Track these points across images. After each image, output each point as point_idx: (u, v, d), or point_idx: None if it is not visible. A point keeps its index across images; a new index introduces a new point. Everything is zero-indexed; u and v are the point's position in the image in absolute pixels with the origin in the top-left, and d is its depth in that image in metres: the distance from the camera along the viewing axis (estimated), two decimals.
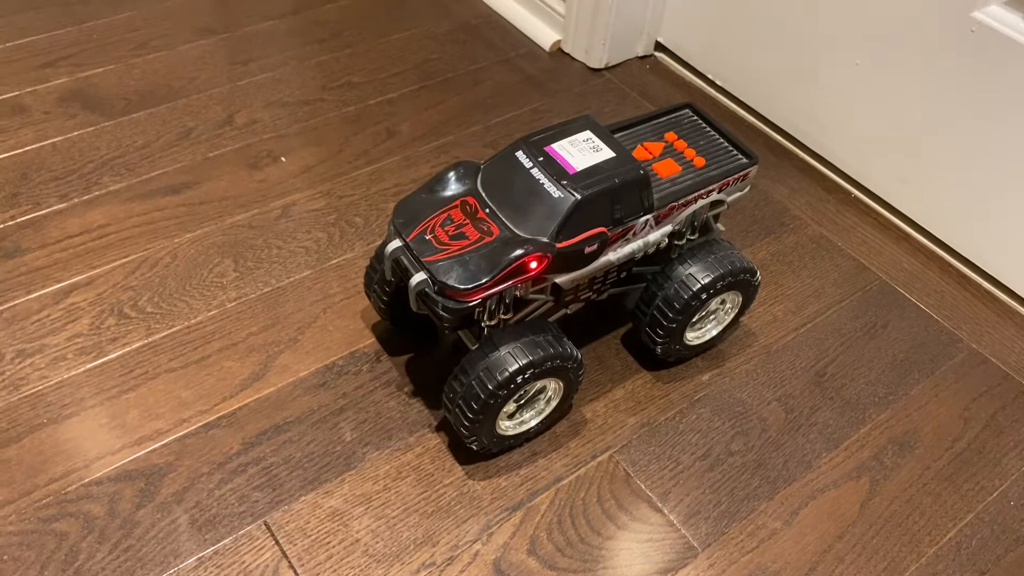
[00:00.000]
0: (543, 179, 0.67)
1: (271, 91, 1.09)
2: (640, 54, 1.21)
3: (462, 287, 0.64)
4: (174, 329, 0.82)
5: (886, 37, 0.92)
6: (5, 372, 0.77)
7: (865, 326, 0.89)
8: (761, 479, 0.76)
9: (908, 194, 0.98)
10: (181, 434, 0.75)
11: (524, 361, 0.67)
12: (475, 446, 0.72)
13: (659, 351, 0.79)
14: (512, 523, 0.72)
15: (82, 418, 0.75)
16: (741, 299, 0.81)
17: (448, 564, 0.69)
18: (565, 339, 0.71)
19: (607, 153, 0.69)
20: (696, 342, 0.82)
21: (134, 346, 0.80)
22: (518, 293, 0.69)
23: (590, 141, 0.70)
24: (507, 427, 0.73)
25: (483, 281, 0.64)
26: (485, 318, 0.69)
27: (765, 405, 0.82)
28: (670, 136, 0.77)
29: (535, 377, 0.69)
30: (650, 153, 0.75)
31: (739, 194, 0.78)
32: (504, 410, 0.71)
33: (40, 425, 0.74)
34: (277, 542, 0.69)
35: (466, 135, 1.07)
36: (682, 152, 0.76)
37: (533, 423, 0.75)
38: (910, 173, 0.97)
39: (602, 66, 1.18)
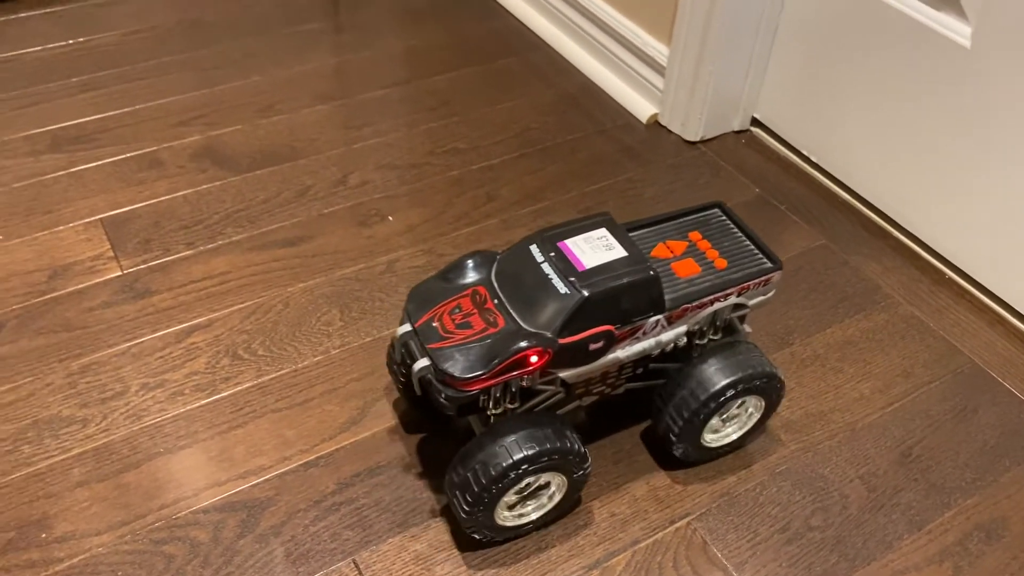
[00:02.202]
0: (552, 274, 0.68)
1: (382, 154, 1.17)
2: (736, 128, 1.24)
3: (461, 377, 0.65)
4: (282, 372, 0.88)
5: (991, 119, 0.93)
6: (130, 403, 0.84)
7: (954, 409, 0.89)
8: (839, 556, 0.76)
9: (1004, 277, 0.98)
10: (282, 471, 0.80)
11: (520, 455, 0.67)
12: (476, 535, 0.73)
13: (676, 450, 0.78)
14: None
15: (194, 450, 0.81)
16: (764, 404, 0.80)
17: None
18: (570, 433, 0.70)
19: (619, 252, 0.70)
20: (714, 444, 0.81)
21: (245, 386, 0.87)
22: (525, 384, 0.70)
23: (604, 239, 0.71)
24: (507, 518, 0.73)
25: (481, 373, 0.65)
26: (491, 406, 0.71)
27: (847, 482, 0.82)
28: (695, 235, 0.77)
29: (534, 471, 0.69)
30: (671, 251, 0.76)
31: (762, 298, 0.77)
32: (504, 500, 0.71)
33: (157, 454, 0.80)
34: None
35: (562, 201, 1.11)
36: (704, 252, 0.76)
37: (534, 516, 0.74)
38: (1005, 256, 0.96)
39: (697, 139, 1.22)
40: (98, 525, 0.75)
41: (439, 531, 0.76)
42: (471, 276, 0.72)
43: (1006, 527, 0.79)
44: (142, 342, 0.90)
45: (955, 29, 0.93)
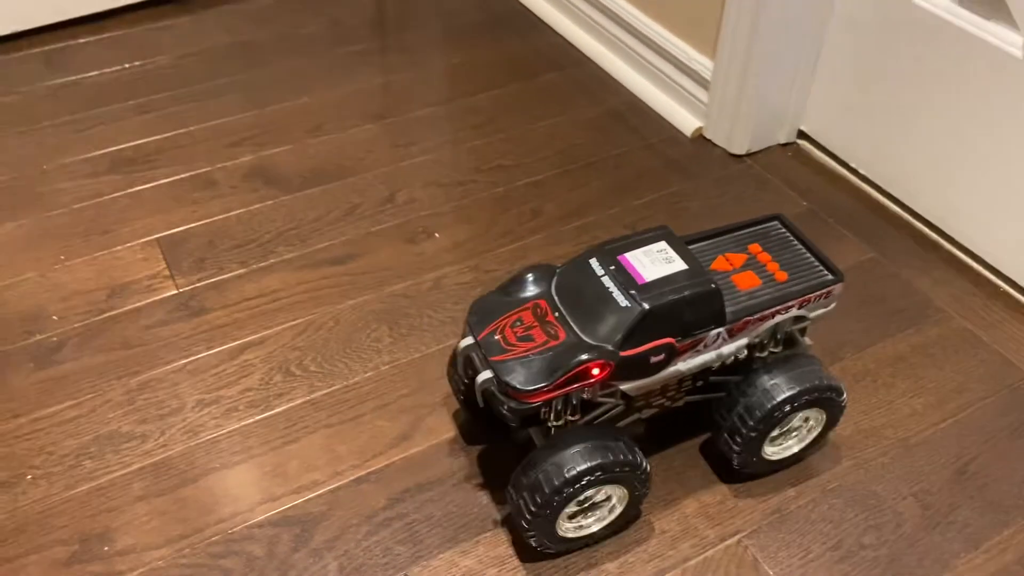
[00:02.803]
0: (612, 287, 0.68)
1: (429, 172, 1.18)
2: (782, 141, 1.23)
3: (524, 388, 0.66)
4: (333, 388, 0.90)
5: None
6: (187, 419, 0.87)
7: (1011, 425, 0.87)
8: (893, 575, 0.75)
9: None
10: (335, 486, 0.81)
11: (590, 464, 0.68)
12: (533, 542, 0.73)
13: (736, 462, 0.78)
14: None
15: (249, 465, 0.83)
16: (825, 417, 0.79)
17: None
18: (632, 445, 0.71)
19: (679, 264, 0.70)
20: (775, 457, 0.80)
21: (297, 402, 0.88)
22: (586, 396, 0.70)
23: (664, 252, 0.71)
24: (567, 529, 0.74)
25: (543, 385, 0.66)
26: (552, 418, 0.71)
27: (901, 499, 0.81)
28: (754, 248, 0.77)
29: (600, 481, 0.69)
30: (731, 264, 0.76)
31: (823, 311, 0.77)
32: (565, 511, 0.71)
33: (213, 469, 0.82)
34: None
35: (607, 216, 1.12)
36: (764, 265, 0.76)
37: (595, 528, 0.75)
38: None
39: (743, 152, 1.21)
40: (157, 539, 0.77)
41: (489, 546, 0.77)
42: (531, 290, 0.73)
43: None
44: (198, 359, 0.93)
45: (1006, 39, 0.92)
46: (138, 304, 0.99)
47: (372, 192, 1.15)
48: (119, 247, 1.06)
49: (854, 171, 1.17)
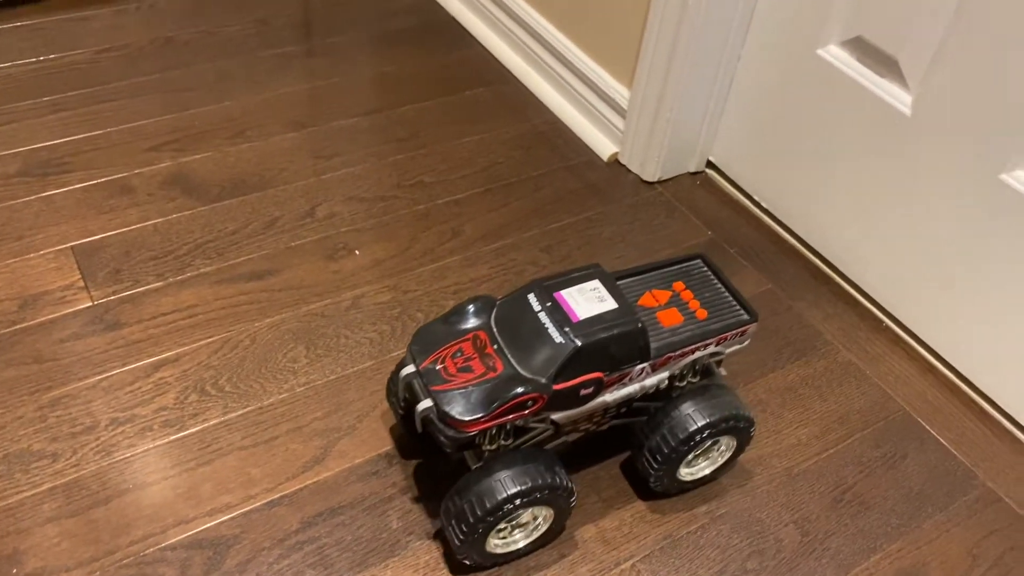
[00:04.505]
0: (548, 324, 0.73)
1: (350, 186, 1.20)
2: (692, 170, 1.29)
3: (462, 419, 0.71)
4: (248, 409, 0.91)
5: (927, 182, 0.99)
6: (100, 438, 0.87)
7: (885, 456, 0.95)
8: None
9: (937, 328, 1.04)
10: (247, 509, 0.83)
11: (514, 490, 0.73)
12: (467, 561, 0.78)
13: (652, 481, 0.84)
14: None
15: (162, 487, 0.84)
16: (736, 444, 0.86)
17: None
18: (559, 468, 0.76)
19: (610, 304, 0.75)
20: (689, 478, 0.87)
21: (212, 423, 0.90)
22: (518, 423, 0.75)
23: (597, 291, 0.76)
24: (496, 545, 0.79)
25: (480, 416, 0.71)
26: (486, 443, 0.76)
27: (782, 526, 0.87)
28: (678, 285, 0.83)
29: (525, 505, 0.75)
30: (656, 301, 0.81)
31: (738, 347, 0.84)
32: (495, 530, 0.76)
33: (126, 490, 0.83)
34: None
35: (525, 239, 1.15)
36: (687, 303, 0.82)
37: (522, 544, 0.80)
38: (937, 307, 1.02)
39: (655, 179, 1.26)
40: (67, 561, 0.78)
41: (396, 571, 0.80)
42: (472, 321, 0.77)
43: (926, 573, 0.85)
44: (112, 375, 0.93)
45: (897, 97, 0.99)
46: (51, 316, 0.98)
47: (292, 205, 1.16)
48: (32, 255, 1.05)
49: (757, 203, 1.23)
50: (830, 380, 1.02)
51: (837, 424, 0.97)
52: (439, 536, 0.82)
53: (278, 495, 0.85)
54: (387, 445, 0.89)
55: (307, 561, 0.80)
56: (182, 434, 0.89)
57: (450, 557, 0.81)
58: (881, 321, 1.10)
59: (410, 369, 0.75)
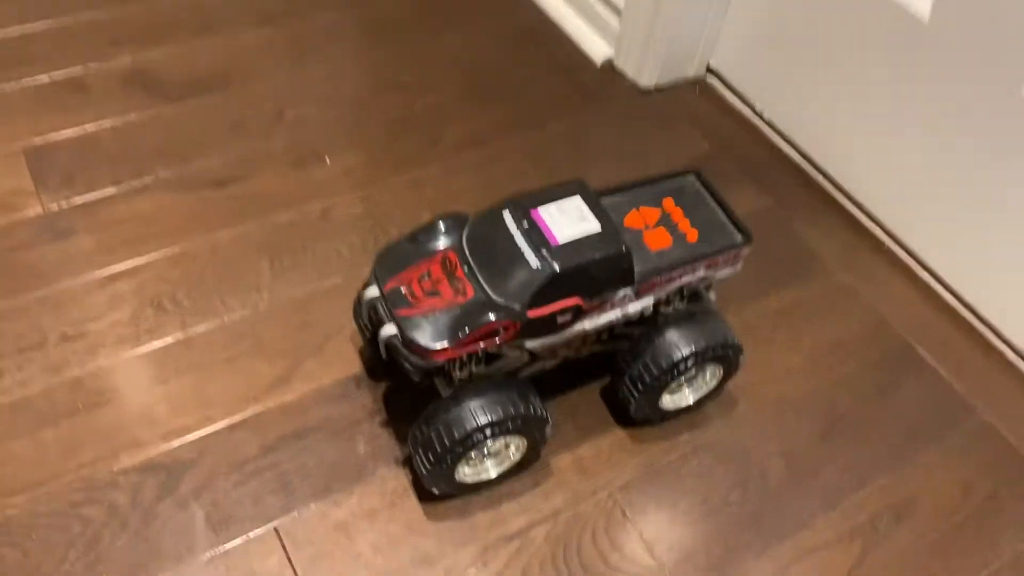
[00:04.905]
0: (524, 245, 0.67)
1: (323, 87, 1.12)
2: (691, 76, 1.21)
3: (428, 347, 0.66)
4: (208, 326, 0.86)
5: (941, 95, 0.91)
6: (49, 355, 0.82)
7: (879, 385, 0.90)
8: (755, 533, 0.78)
9: (942, 251, 0.98)
10: (205, 432, 0.79)
11: (485, 420, 0.68)
12: (435, 490, 0.74)
13: (633, 409, 0.80)
14: (508, 552, 0.75)
15: (115, 407, 0.79)
16: (723, 373, 0.81)
17: None
18: (533, 397, 0.72)
19: (592, 225, 0.69)
20: (672, 407, 0.82)
21: (169, 340, 0.85)
22: (491, 350, 0.70)
23: (578, 209, 0.70)
24: (466, 475, 0.75)
25: (448, 344, 0.66)
26: (456, 370, 0.71)
27: (768, 458, 0.83)
28: (668, 204, 0.77)
29: (496, 435, 0.70)
30: (644, 220, 0.75)
31: (730, 271, 0.78)
32: (464, 459, 0.72)
33: (75, 411, 0.79)
34: (284, 548, 0.73)
35: (509, 148, 1.08)
36: (677, 224, 0.75)
37: (494, 473, 0.76)
38: (948, 231, 0.96)
39: (652, 85, 1.18)
40: (13, 484, 0.74)
41: (362, 498, 0.76)
42: (442, 240, 0.71)
43: (916, 507, 0.81)
44: (63, 288, 0.87)
45: (914, 3, 0.90)
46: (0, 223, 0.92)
47: (260, 107, 1.08)
48: None
49: (758, 114, 1.16)
50: (825, 304, 0.97)
51: (831, 351, 0.92)
52: (408, 463, 0.78)
53: (238, 418, 0.80)
54: (355, 367, 0.85)
55: (267, 487, 0.76)
56: (136, 351, 0.83)
57: (419, 484, 0.77)
58: (882, 243, 1.04)
59: (373, 292, 0.70)
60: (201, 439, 0.78)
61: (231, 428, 0.79)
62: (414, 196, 1.00)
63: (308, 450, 0.79)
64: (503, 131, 1.10)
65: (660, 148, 1.11)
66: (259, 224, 0.95)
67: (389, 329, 0.67)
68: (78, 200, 0.95)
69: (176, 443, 0.78)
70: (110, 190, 0.96)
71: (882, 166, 1.01)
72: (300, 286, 0.90)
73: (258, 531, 0.74)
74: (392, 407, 0.82)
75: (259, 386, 0.82)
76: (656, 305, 0.76)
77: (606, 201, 0.74)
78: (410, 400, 0.82)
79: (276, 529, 0.74)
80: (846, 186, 1.07)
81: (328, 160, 1.03)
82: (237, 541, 0.73)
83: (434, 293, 0.68)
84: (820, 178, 1.10)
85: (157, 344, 0.84)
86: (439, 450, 0.69)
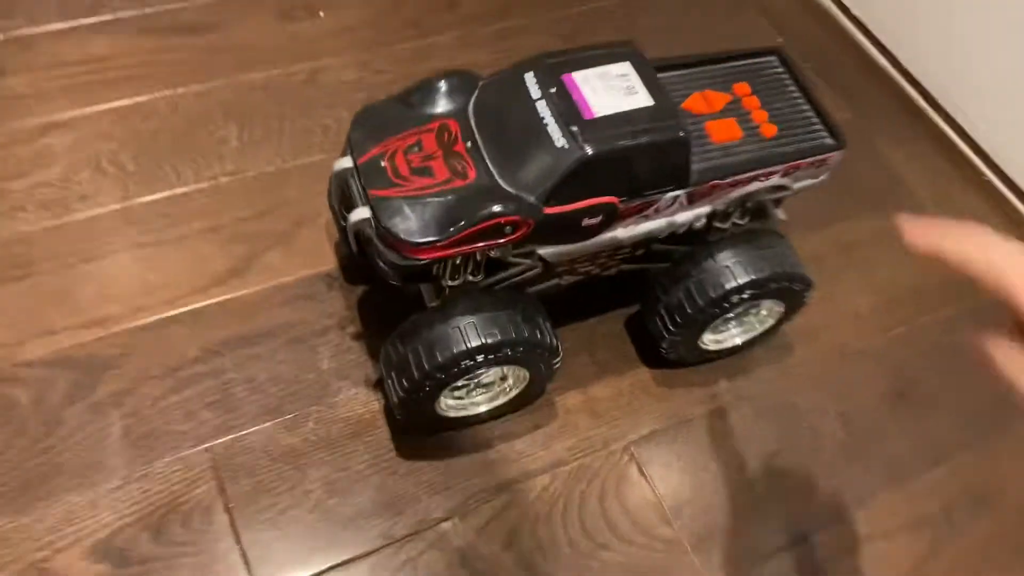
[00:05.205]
0: (548, 119, 0.51)
1: None
2: None
3: (410, 240, 0.50)
4: (154, 197, 0.70)
5: None
6: None
7: (962, 346, 0.74)
8: (799, 510, 0.63)
9: None
10: (136, 325, 0.64)
11: (477, 342, 0.53)
12: (408, 424, 0.60)
13: (664, 346, 0.64)
14: (493, 506, 0.60)
15: (28, 285, 0.64)
16: (783, 310, 0.65)
17: (408, 541, 0.58)
18: (541, 320, 0.56)
19: (643, 99, 0.52)
20: (713, 347, 0.67)
21: (105, 209, 0.69)
22: (493, 254, 0.54)
23: (625, 78, 0.53)
24: (450, 407, 0.60)
25: (435, 239, 0.50)
26: (447, 276, 0.55)
27: (823, 417, 0.68)
28: (741, 88, 0.59)
29: (490, 363, 0.55)
30: (708, 106, 0.58)
31: (811, 182, 0.61)
32: (447, 389, 0.57)
33: None
34: (218, 477, 0.59)
35: (540, 20, 0.90)
36: (750, 113, 0.58)
37: (483, 408, 0.61)
38: None
39: None
40: None
41: (320, 424, 0.61)
42: (441, 104, 0.55)
43: (1000, 497, 0.66)
44: None
45: None
46: None
47: None
48: None
49: (845, 9, 0.96)
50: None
51: (909, 297, 0.76)
52: (382, 385, 0.63)
53: (178, 310, 0.65)
54: (329, 263, 0.69)
55: (205, 399, 0.61)
56: (63, 220, 0.68)
57: (392, 414, 0.62)
58: (981, 173, 0.86)
59: (345, 163, 0.53)
60: (129, 332, 0.63)
61: (167, 323, 0.64)
62: (420, 67, 0.83)
63: (259, 359, 0.64)
64: (534, 2, 0.92)
65: (724, 35, 0.92)
66: (231, 83, 0.78)
67: (361, 213, 0.51)
68: (16, 33, 0.78)
69: (98, 334, 0.63)
70: (57, 25, 0.79)
71: (989, 80, 0.83)
72: (272, 161, 0.74)
73: (188, 452, 0.59)
74: (369, 316, 0.67)
75: (207, 275, 0.67)
76: (710, 219, 0.60)
77: (662, 77, 0.57)
78: (393, 309, 0.66)
79: (211, 451, 0.59)
80: (943, 101, 0.88)
81: (322, 14, 0.85)
82: (159, 463, 0.59)
83: (424, 171, 0.52)
84: (913, 92, 0.91)
85: (89, 213, 0.69)
86: (416, 375, 0.54)
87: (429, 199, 0.51)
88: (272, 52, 0.81)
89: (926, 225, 0.34)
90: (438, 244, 0.50)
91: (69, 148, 0.72)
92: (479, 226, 0.49)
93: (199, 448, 0.59)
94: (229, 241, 0.69)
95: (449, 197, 0.51)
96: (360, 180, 0.52)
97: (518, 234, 0.51)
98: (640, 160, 0.52)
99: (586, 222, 0.53)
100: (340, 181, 0.55)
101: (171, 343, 0.63)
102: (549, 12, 0.91)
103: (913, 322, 0.74)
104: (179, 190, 0.71)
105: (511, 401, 0.62)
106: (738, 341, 0.67)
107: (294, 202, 0.72)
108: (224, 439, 0.60)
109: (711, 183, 0.56)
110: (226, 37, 0.82)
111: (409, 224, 0.50)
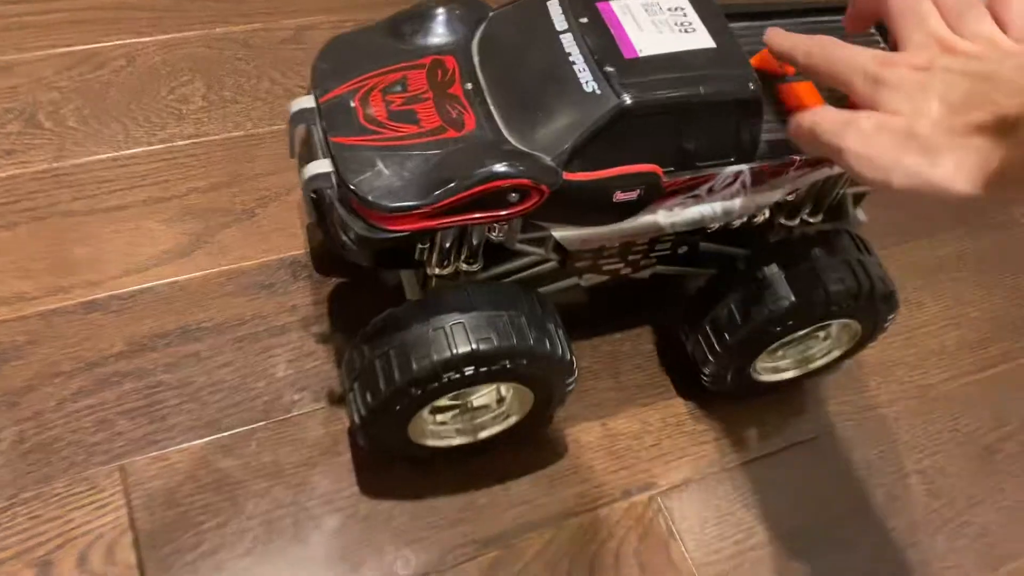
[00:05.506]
0: (576, 56, 0.38)
1: None
2: None
3: (380, 203, 0.37)
4: (95, 158, 0.58)
5: None
6: None
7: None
8: None
9: None
10: (50, 308, 0.51)
11: (464, 350, 0.40)
12: (366, 446, 0.46)
13: (707, 375, 0.51)
14: (479, 565, 0.47)
15: None
16: (857, 335, 0.51)
17: None
18: (553, 327, 0.43)
19: (702, 39, 0.39)
20: (766, 378, 0.53)
21: (34, 167, 0.57)
22: (495, 237, 0.42)
23: (680, 12, 0.40)
24: (428, 432, 0.47)
25: (417, 203, 0.37)
26: (434, 261, 0.42)
27: (900, 476, 0.54)
28: None
29: (480, 379, 0.42)
30: (783, 65, 0.44)
31: None
32: (426, 408, 0.44)
33: None
34: (129, 503, 0.46)
35: None
36: None
37: (473, 437, 0.48)
38: None
39: None
40: None
41: (265, 443, 0.49)
42: (438, 35, 0.43)
43: None
44: None
45: None
46: None
47: None
48: None
49: None
50: (1005, 263, 0.66)
51: (1006, 331, 0.62)
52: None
53: (105, 293, 0.52)
54: (295, 248, 0.56)
55: (123, 405, 0.49)
56: None
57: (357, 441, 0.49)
58: None
59: (304, 102, 0.41)
60: (41, 317, 0.51)
61: (88, 308, 0.52)
62: None
63: (198, 360, 0.51)
64: None
65: None
66: (204, 34, 0.67)
67: (318, 166, 0.38)
68: None
69: (2, 316, 0.51)
70: None
71: None
72: (241, 124, 0.62)
73: (94, 470, 0.47)
74: (341, 314, 0.54)
75: (146, 254, 0.54)
76: (775, 211, 0.47)
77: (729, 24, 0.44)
78: (373, 307, 0.53)
79: (123, 470, 0.47)
80: None
81: None
82: (57, 484, 0.46)
83: (406, 116, 0.39)
84: None
85: (13, 172, 0.57)
86: (384, 389, 0.41)
87: (410, 151, 0.38)
88: (256, 3, 0.69)
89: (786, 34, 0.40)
90: (418, 211, 0.37)
91: (3, 95, 0.60)
92: (475, 190, 0.37)
93: (110, 466, 0.47)
94: (179, 215, 0.56)
95: (437, 150, 0.38)
96: (321, 123, 0.39)
97: (527, 204, 0.38)
98: (695, 118, 0.39)
99: (618, 197, 0.40)
100: (295, 125, 0.42)
101: (91, 333, 0.51)
102: None
103: (1011, 361, 0.61)
104: (125, 151, 0.59)
105: (510, 430, 0.48)
106: (797, 372, 0.54)
107: (262, 174, 0.59)
108: (142, 456, 0.47)
109: (784, 161, 0.42)
110: None
111: (381, 182, 0.37)
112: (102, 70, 0.63)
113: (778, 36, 0.40)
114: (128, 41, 0.65)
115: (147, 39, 0.65)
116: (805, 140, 0.37)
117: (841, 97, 0.39)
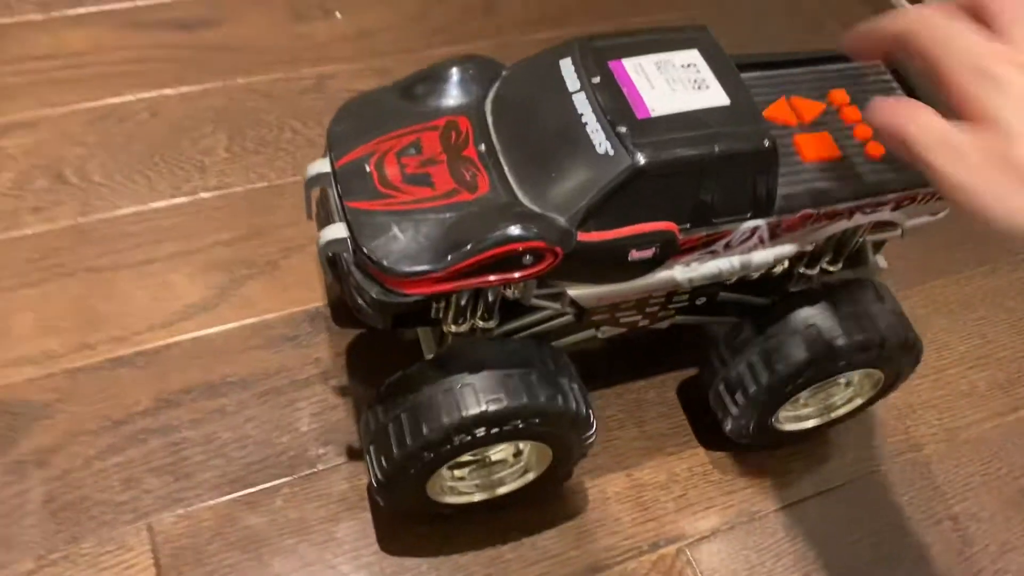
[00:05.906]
0: (589, 116, 0.38)
1: None
2: None
3: (396, 268, 0.37)
4: (119, 213, 0.59)
5: None
6: None
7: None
8: None
9: None
10: (77, 366, 0.52)
11: (474, 412, 0.40)
12: (386, 507, 0.46)
13: (729, 426, 0.50)
14: None
15: None
16: (879, 383, 0.51)
17: None
18: (566, 382, 0.43)
19: (716, 96, 0.39)
20: (789, 427, 0.52)
21: (60, 224, 0.58)
22: (512, 295, 0.42)
23: (693, 69, 0.40)
24: (446, 489, 0.47)
25: (431, 268, 0.37)
26: (450, 319, 0.43)
27: (932, 522, 0.53)
28: (838, 96, 0.45)
29: (492, 439, 0.42)
30: (797, 116, 0.44)
31: (927, 219, 0.47)
32: (446, 466, 0.44)
33: None
34: (157, 562, 0.46)
35: (593, 32, 0.78)
36: (851, 128, 0.44)
37: (493, 493, 0.48)
38: None
39: None
40: None
41: (291, 499, 0.49)
42: (452, 97, 0.43)
43: None
44: None
45: None
46: None
47: None
48: None
49: None
50: None
51: None
52: None
53: (131, 350, 0.53)
54: (316, 299, 0.57)
55: (151, 462, 0.49)
56: (10, 234, 0.57)
57: None
58: None
59: (320, 166, 0.41)
60: (68, 374, 0.51)
61: (115, 365, 0.52)
62: None
63: (223, 415, 0.51)
64: (586, 7, 0.80)
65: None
66: (226, 86, 0.68)
67: (334, 231, 0.39)
68: None
69: (30, 375, 0.51)
70: (33, 15, 0.70)
71: None
72: (263, 175, 0.62)
73: (123, 529, 0.47)
74: (364, 365, 0.54)
75: (172, 309, 0.55)
76: (794, 261, 0.47)
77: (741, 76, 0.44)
78: (394, 359, 0.53)
79: (151, 531, 0.47)
80: None
81: (339, 15, 0.74)
82: (87, 542, 0.46)
83: (421, 180, 0.40)
84: None
85: (40, 228, 0.57)
86: (396, 453, 0.41)
87: (425, 215, 0.38)
88: (277, 54, 0.70)
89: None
90: (434, 275, 0.37)
91: (28, 152, 0.61)
92: (489, 253, 0.37)
93: (137, 524, 0.47)
94: (203, 268, 0.57)
95: (452, 214, 0.38)
96: (337, 186, 0.40)
97: (541, 266, 0.38)
98: (710, 175, 0.39)
99: (634, 255, 0.40)
100: (310, 188, 0.42)
101: (118, 390, 0.51)
102: (604, 21, 0.79)
103: None
104: (150, 205, 0.60)
105: (529, 486, 0.48)
106: (820, 421, 0.53)
107: (284, 225, 0.60)
108: (169, 514, 0.47)
109: (802, 213, 0.42)
110: (225, 35, 0.71)
111: (397, 247, 0.37)
112: (127, 123, 0.64)
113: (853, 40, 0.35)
114: (151, 94, 0.66)
115: (170, 91, 0.66)
116: (895, 144, 0.32)
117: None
